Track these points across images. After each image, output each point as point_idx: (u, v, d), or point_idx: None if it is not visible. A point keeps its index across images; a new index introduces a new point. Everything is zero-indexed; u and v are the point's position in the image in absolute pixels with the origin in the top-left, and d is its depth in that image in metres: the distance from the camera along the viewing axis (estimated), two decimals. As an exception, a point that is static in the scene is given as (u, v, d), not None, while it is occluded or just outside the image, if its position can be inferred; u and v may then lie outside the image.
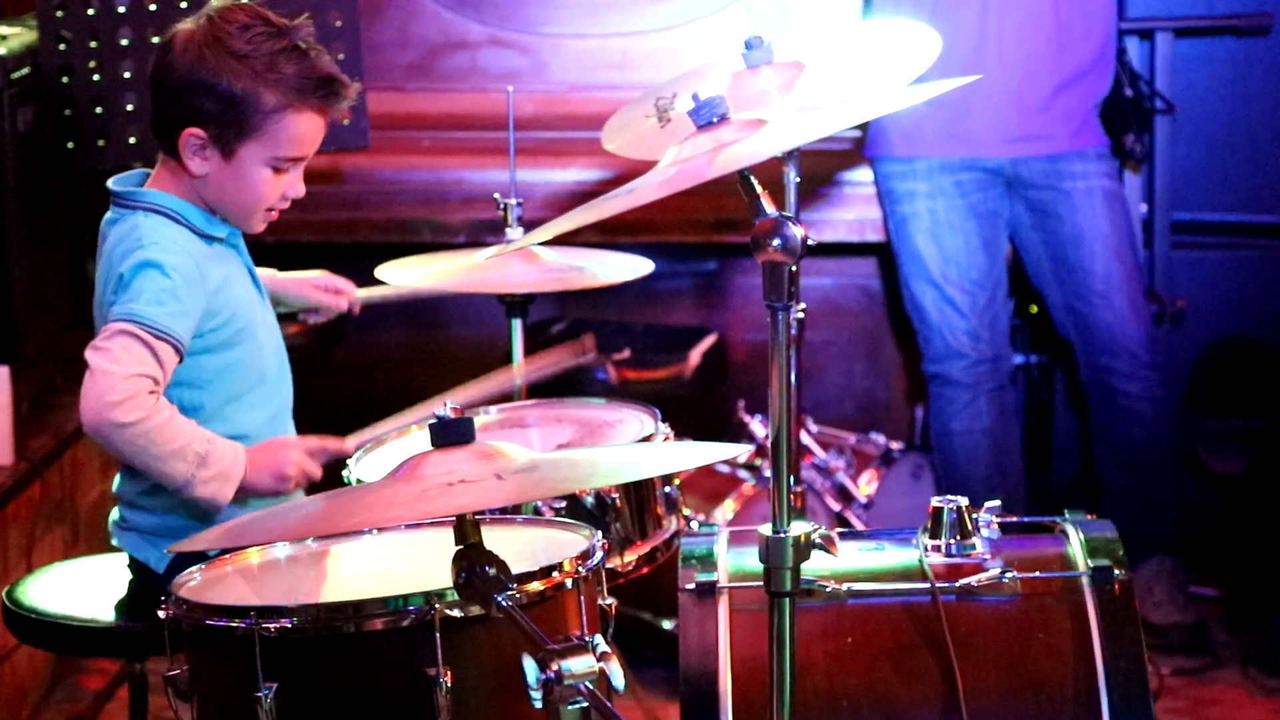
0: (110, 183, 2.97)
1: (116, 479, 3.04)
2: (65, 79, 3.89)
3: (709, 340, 4.80)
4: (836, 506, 4.39)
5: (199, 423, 2.87)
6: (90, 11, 3.87)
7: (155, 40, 3.07)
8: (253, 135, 2.88)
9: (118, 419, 2.75)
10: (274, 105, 2.87)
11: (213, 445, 2.83)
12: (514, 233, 3.49)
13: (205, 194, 2.94)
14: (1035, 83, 4.32)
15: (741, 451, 4.14)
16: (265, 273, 3.18)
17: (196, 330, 2.87)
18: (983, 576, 2.74)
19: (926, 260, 4.41)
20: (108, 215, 2.96)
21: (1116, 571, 2.73)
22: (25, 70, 4.06)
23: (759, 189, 2.34)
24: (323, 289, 3.34)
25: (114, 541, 3.05)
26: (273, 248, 4.63)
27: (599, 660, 2.19)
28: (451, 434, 2.33)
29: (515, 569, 2.29)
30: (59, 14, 3.88)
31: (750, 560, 2.73)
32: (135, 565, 3.03)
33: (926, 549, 2.79)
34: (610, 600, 2.56)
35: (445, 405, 2.34)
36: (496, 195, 3.52)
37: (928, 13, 4.23)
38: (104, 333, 2.81)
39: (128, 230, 2.90)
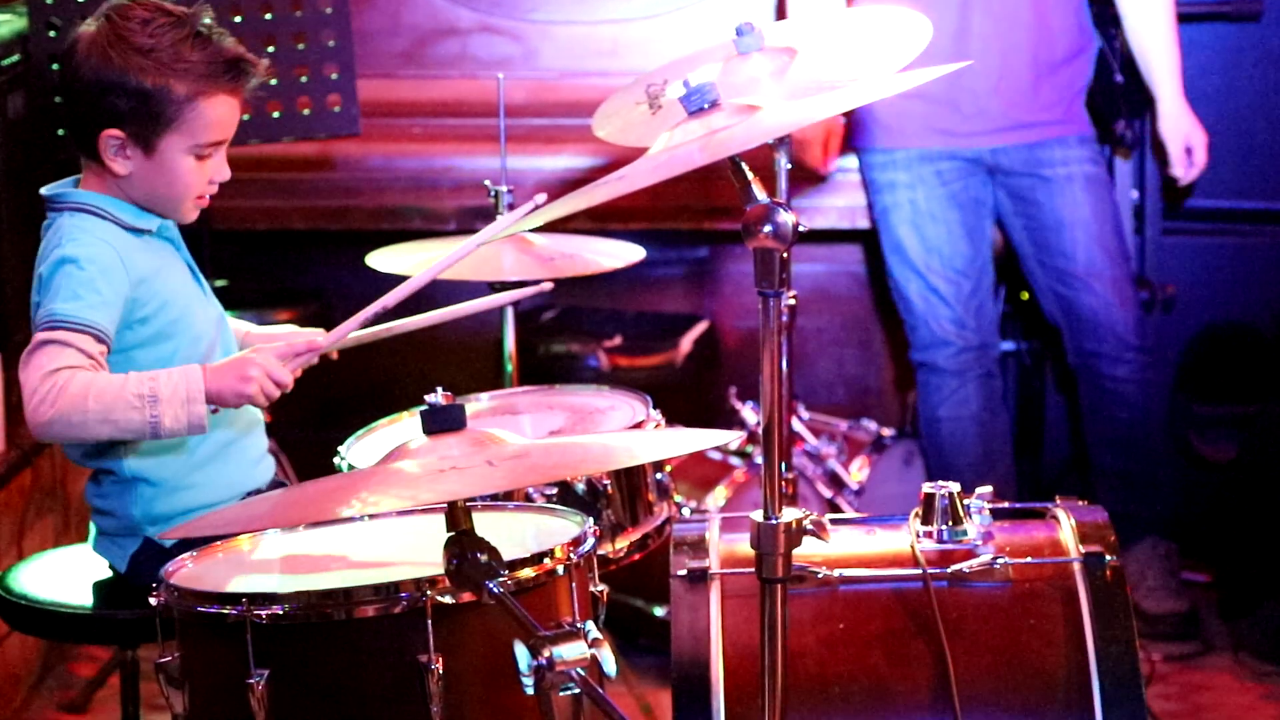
0: (43, 190, 2.96)
1: (86, 483, 3.04)
2: (55, 66, 3.88)
3: (700, 327, 4.80)
4: (828, 493, 4.40)
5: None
6: (79, -1, 3.87)
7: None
8: (170, 127, 2.87)
9: (41, 418, 2.76)
10: (186, 94, 2.86)
11: (156, 380, 2.78)
12: (505, 219, 3.48)
13: (131, 191, 2.92)
14: (1015, 72, 4.32)
15: (733, 438, 4.14)
16: (238, 327, 3.14)
17: (124, 321, 2.86)
18: (974, 562, 2.74)
19: (909, 250, 4.41)
20: (44, 223, 2.97)
21: (1108, 557, 2.74)
22: (15, 57, 4.06)
23: (750, 175, 2.34)
24: (284, 355, 3.21)
25: (89, 543, 3.05)
26: (264, 235, 4.65)
27: (591, 647, 2.20)
28: (443, 421, 2.33)
29: (506, 555, 2.29)
30: (49, 1, 3.87)
31: (742, 546, 2.73)
32: (110, 565, 3.03)
33: (918, 535, 2.79)
34: (602, 587, 2.56)
35: (437, 392, 2.34)
36: (487, 182, 3.51)
37: (906, 4, 4.22)
38: (30, 344, 2.81)
39: (53, 232, 2.91)
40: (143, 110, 2.85)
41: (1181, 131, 4.43)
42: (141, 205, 2.93)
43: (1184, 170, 4.46)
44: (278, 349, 2.91)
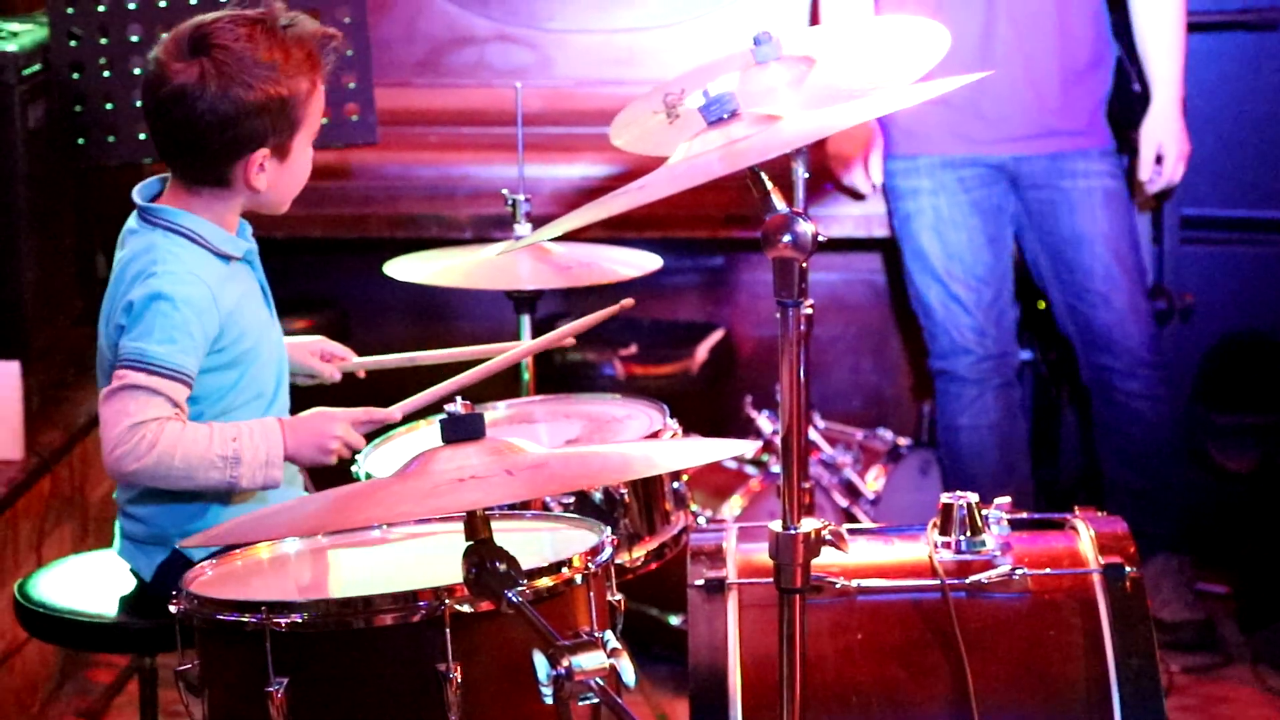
0: (134, 193, 2.95)
1: (118, 486, 3.05)
2: (76, 75, 3.89)
3: (716, 336, 4.80)
4: (844, 502, 4.39)
5: None
6: (101, 8, 3.87)
7: (166, 37, 3.06)
8: (300, 126, 2.89)
9: (125, 468, 2.79)
10: (307, 89, 2.88)
11: (240, 441, 2.83)
12: (522, 228, 3.49)
13: (254, 203, 2.93)
14: (1039, 81, 4.32)
15: (751, 448, 4.14)
16: None
17: (206, 353, 2.88)
18: (993, 573, 2.74)
19: (930, 257, 4.41)
20: (130, 223, 2.96)
21: (1128, 568, 2.73)
22: (36, 67, 4.06)
23: (770, 185, 2.34)
24: (319, 355, 3.23)
25: (115, 549, 3.06)
26: (282, 243, 4.65)
27: (609, 656, 2.20)
28: (462, 430, 2.33)
29: (525, 565, 2.29)
30: (70, 11, 3.88)
31: (760, 556, 2.73)
32: (134, 572, 3.04)
33: (936, 545, 2.78)
34: (619, 596, 2.56)
35: (456, 401, 2.35)
36: (504, 191, 3.52)
37: (930, 11, 4.23)
38: (115, 379, 2.82)
39: (144, 248, 2.89)
40: (281, 121, 2.86)
41: (1158, 137, 4.38)
42: (229, 224, 2.93)
43: (1148, 175, 4.41)
44: (355, 416, 2.94)
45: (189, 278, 2.85)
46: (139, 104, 3.92)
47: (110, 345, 2.88)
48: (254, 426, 2.85)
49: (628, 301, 3.26)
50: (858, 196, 4.53)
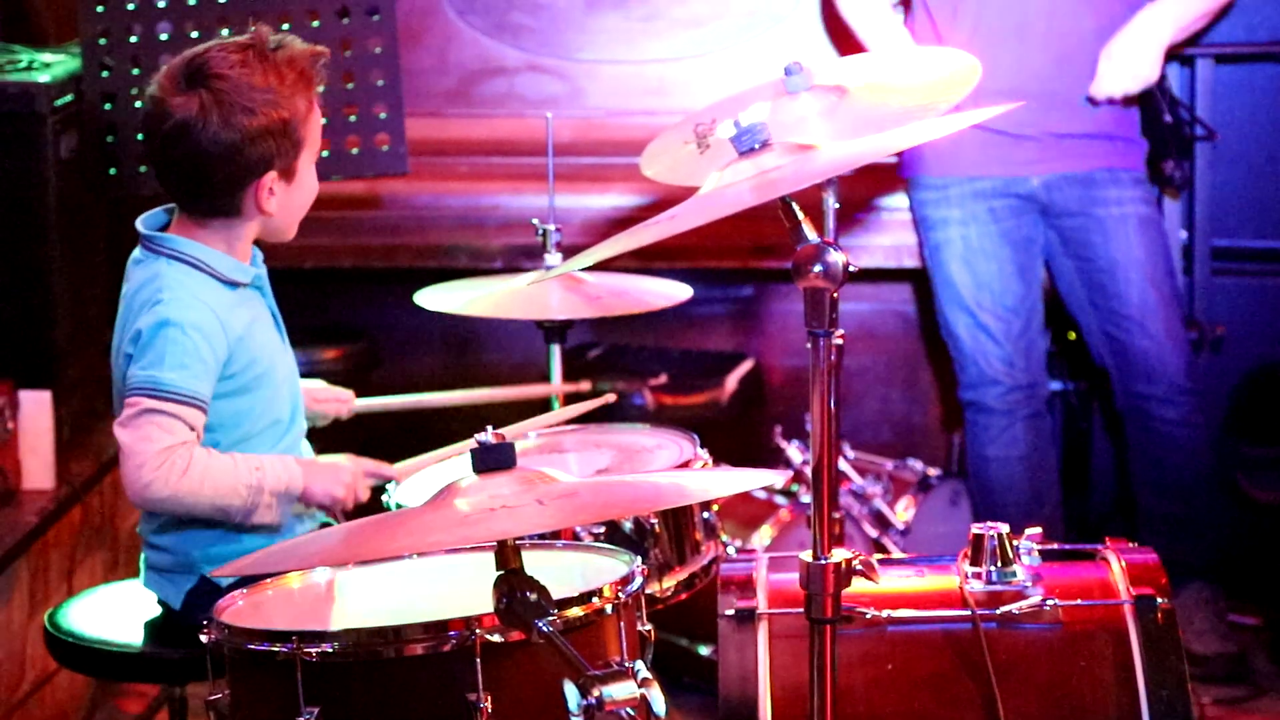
0: (138, 222, 2.97)
1: (140, 519, 3.06)
2: (108, 106, 3.91)
3: (745, 366, 4.79)
4: (874, 533, 4.38)
5: None
6: (133, 39, 3.89)
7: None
8: (303, 145, 2.92)
9: (154, 495, 2.82)
10: (305, 107, 2.91)
11: (263, 472, 2.85)
12: (552, 258, 3.50)
13: (264, 229, 2.94)
14: (1073, 108, 4.31)
15: (781, 478, 4.14)
16: None
17: (217, 378, 2.89)
18: (1024, 604, 2.73)
19: (960, 287, 4.40)
20: (135, 254, 2.98)
21: (1159, 599, 2.72)
22: (68, 97, 4.09)
23: (801, 215, 2.34)
24: (323, 400, 3.26)
25: (140, 580, 3.06)
26: (311, 273, 4.67)
27: (640, 686, 2.19)
28: (493, 459, 2.33)
29: (555, 594, 2.29)
30: (102, 41, 3.90)
31: (790, 586, 2.72)
32: (161, 602, 3.04)
33: (967, 576, 2.78)
34: (649, 626, 2.56)
35: (487, 431, 2.35)
36: (535, 220, 3.53)
37: (964, 39, 4.23)
38: (129, 407, 2.83)
39: (149, 277, 2.91)
40: (285, 143, 2.88)
41: (1113, 47, 4.28)
42: (236, 250, 2.94)
43: (1100, 93, 4.29)
44: (366, 467, 2.98)
45: (195, 304, 2.87)
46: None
47: (121, 376, 2.89)
48: (274, 460, 2.87)
49: (610, 396, 3.31)
50: None
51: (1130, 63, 4.29)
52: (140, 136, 3.04)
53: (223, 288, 2.91)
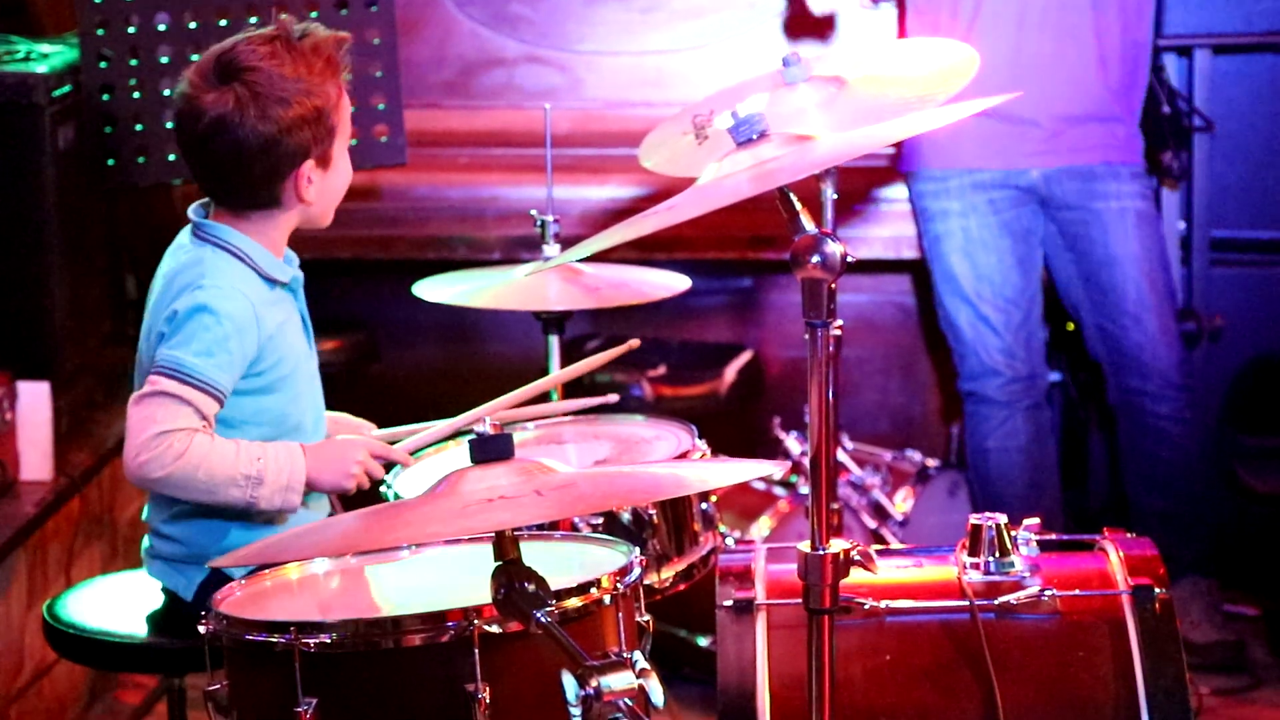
0: (191, 212, 2.97)
1: (145, 507, 3.05)
2: (106, 97, 3.91)
3: (744, 357, 4.79)
4: (872, 524, 4.39)
5: None
6: (131, 30, 3.89)
7: (195, 58, 3.07)
8: (336, 131, 2.93)
9: (148, 474, 2.81)
10: (336, 93, 2.92)
11: (264, 462, 2.84)
12: (551, 249, 3.50)
13: (304, 217, 2.95)
14: (1072, 99, 4.31)
15: (780, 469, 4.15)
16: None
17: (242, 373, 2.89)
18: (1022, 594, 2.73)
19: (960, 278, 4.40)
20: (180, 238, 2.97)
21: (1157, 590, 2.72)
22: (66, 88, 4.09)
23: (799, 206, 2.34)
24: (343, 427, 3.20)
25: (145, 570, 3.06)
26: (310, 264, 4.66)
27: (638, 677, 2.19)
28: (491, 450, 2.33)
29: (553, 585, 2.29)
30: (100, 32, 3.90)
31: (788, 577, 2.72)
32: (166, 591, 3.04)
33: (965, 566, 2.78)
34: (647, 617, 2.56)
35: (485, 422, 2.35)
36: (533, 212, 3.52)
37: (963, 30, 4.23)
38: (148, 385, 2.83)
39: (193, 260, 2.91)
40: (320, 130, 2.89)
41: None
42: (277, 248, 2.94)
43: None
44: (374, 447, 2.96)
45: (234, 293, 2.87)
46: (170, 125, 3.95)
47: (150, 356, 2.89)
48: (278, 449, 2.86)
49: (634, 342, 3.28)
50: None
51: None
52: (174, 135, 3.02)
53: (263, 283, 2.92)
